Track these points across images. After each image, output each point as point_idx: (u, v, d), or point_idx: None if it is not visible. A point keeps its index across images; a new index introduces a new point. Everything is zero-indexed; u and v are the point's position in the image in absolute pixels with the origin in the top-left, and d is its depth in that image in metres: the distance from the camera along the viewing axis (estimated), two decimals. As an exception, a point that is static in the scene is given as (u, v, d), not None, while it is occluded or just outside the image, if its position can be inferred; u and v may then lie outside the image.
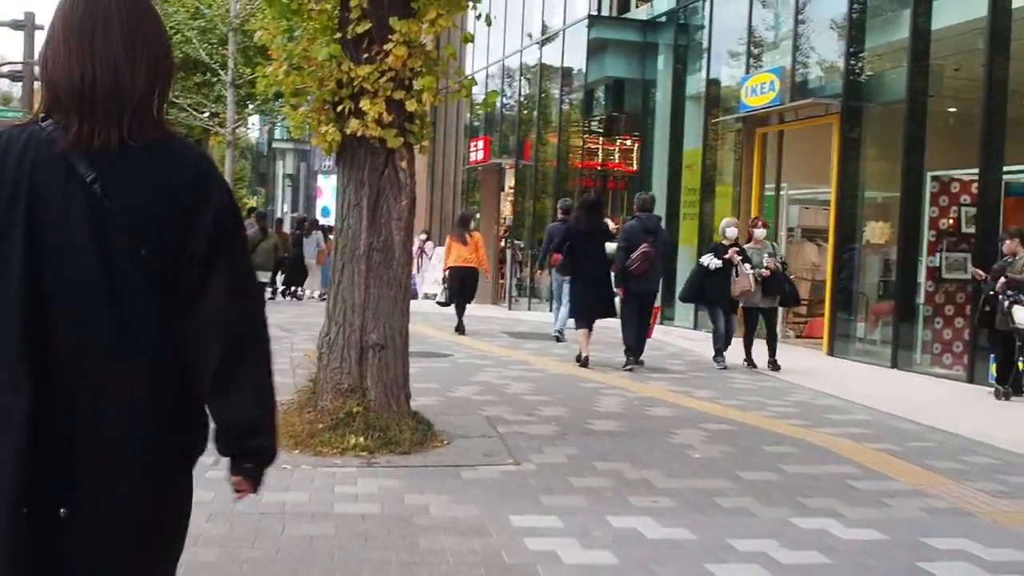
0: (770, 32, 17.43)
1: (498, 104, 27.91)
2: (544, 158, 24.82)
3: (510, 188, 26.75)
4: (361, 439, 6.81)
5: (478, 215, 27.58)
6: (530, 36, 25.41)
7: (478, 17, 7.79)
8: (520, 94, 26.70)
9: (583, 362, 11.96)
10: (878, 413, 9.38)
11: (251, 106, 17.80)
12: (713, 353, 12.50)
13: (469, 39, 8.19)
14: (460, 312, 16.15)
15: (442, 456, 6.80)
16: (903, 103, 13.69)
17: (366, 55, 7.00)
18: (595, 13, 22.35)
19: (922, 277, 13.45)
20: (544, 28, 24.80)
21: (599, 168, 23.41)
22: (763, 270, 12.28)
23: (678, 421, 8.40)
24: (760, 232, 12.84)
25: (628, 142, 22.96)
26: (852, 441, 7.80)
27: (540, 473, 6.40)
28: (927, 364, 13.37)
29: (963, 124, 14.21)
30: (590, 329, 12.32)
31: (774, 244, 13.10)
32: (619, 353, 12.33)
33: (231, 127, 15.11)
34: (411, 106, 6.99)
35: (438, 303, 18.43)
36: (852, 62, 14.88)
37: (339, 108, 7.05)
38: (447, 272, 16.67)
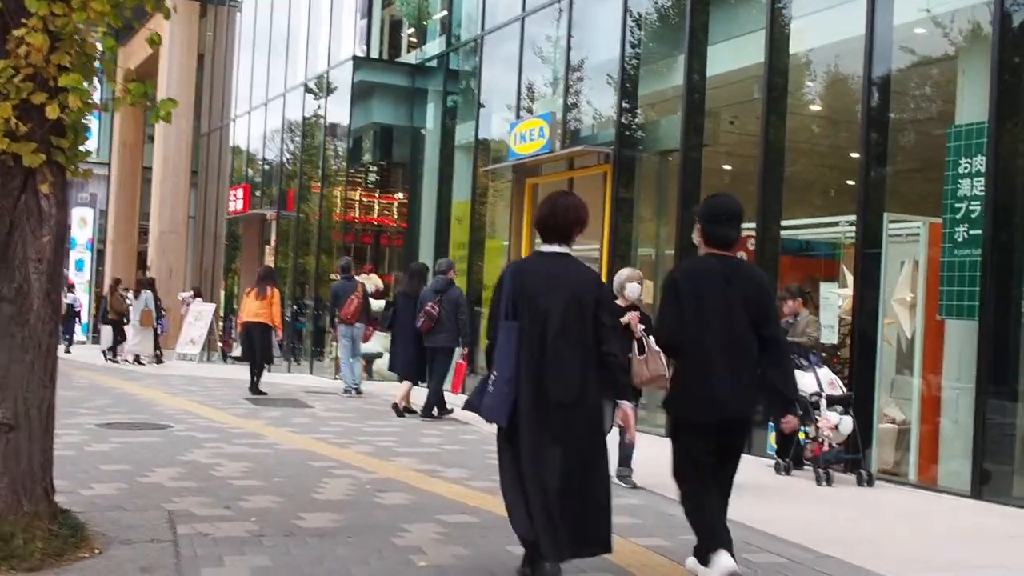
0: (541, 77, 16.47)
1: (260, 151, 26.17)
2: (309, 210, 23.21)
3: (276, 240, 25.02)
4: (-30, 554, 5.05)
5: (235, 267, 25.74)
6: (295, 79, 23.86)
7: (159, 10, 6.16)
8: (284, 140, 25.02)
9: (399, 412, 13.09)
10: (649, 496, 8.15)
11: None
12: (627, 473, 8.54)
13: (156, 41, 6.56)
14: (252, 371, 15.60)
15: (82, 574, 5.10)
16: (678, 153, 12.85)
17: (-8, 44, 5.33)
18: (361, 55, 21.01)
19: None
20: (309, 70, 23.29)
21: (367, 221, 22.02)
22: None
23: (413, 512, 6.92)
24: None
25: (397, 194, 21.67)
26: (619, 536, 6.46)
27: (207, 598, 4.81)
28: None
29: (740, 176, 13.51)
30: (412, 383, 13.39)
31: None
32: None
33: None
34: (51, 113, 5.31)
35: (232, 358, 19.36)
36: (625, 109, 14.00)
37: (-47, 113, 5.34)
38: (241, 328, 16.37)
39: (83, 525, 5.67)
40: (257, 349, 15.47)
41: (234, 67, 28.37)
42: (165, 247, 30.39)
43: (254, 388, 15.31)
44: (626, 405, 5.97)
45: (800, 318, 10.33)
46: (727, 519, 5.47)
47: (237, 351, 17.59)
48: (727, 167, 14.47)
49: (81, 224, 38.74)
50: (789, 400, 5.77)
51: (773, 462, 9.89)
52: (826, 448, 9.45)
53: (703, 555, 5.35)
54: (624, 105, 13.98)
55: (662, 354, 7.96)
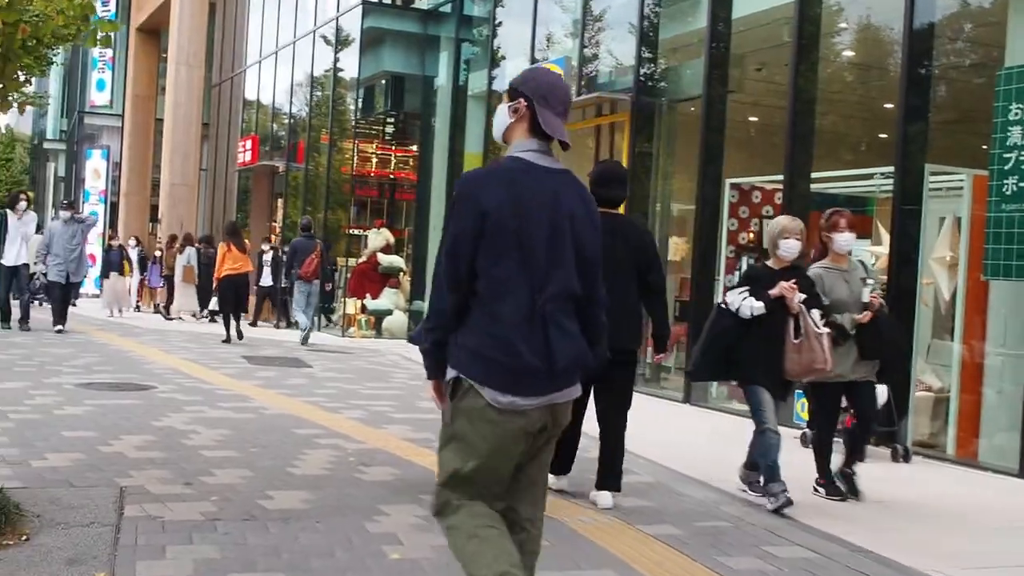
0: (558, 23, 15.58)
1: (269, 101, 25.38)
2: (318, 162, 22.44)
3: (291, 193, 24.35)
4: None
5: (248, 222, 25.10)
6: (305, 27, 23.01)
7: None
8: (293, 90, 24.22)
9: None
10: (662, 471, 7.43)
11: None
12: (758, 479, 6.59)
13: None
14: (232, 321, 16.12)
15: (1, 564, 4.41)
16: (700, 100, 12.00)
17: None
18: (372, 1, 20.11)
19: (719, 298, 11.75)
20: (319, 17, 22.42)
21: (382, 175, 21.30)
22: (860, 316, 6.69)
23: (395, 491, 6.21)
24: (843, 239, 6.79)
25: (412, 146, 20.88)
26: (622, 520, 5.77)
27: (136, 599, 4.11)
28: (724, 399, 11.66)
29: (765, 127, 12.66)
30: None
31: (865, 263, 7.38)
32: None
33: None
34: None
35: (210, 312, 20.01)
36: (645, 54, 13.13)
37: None
38: (220, 281, 16.20)
39: (14, 506, 4.99)
40: (239, 300, 16.21)
41: (246, 16, 27.54)
42: (176, 199, 29.67)
43: (238, 335, 16.08)
44: None
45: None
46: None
47: (213, 304, 18.51)
48: (753, 118, 13.62)
49: (95, 176, 38.21)
50: (659, 336, 6.51)
51: (800, 433, 9.13)
52: (858, 419, 8.69)
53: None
54: (644, 50, 13.11)
55: (825, 337, 6.32)
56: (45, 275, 15.79)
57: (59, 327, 15.67)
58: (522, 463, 3.53)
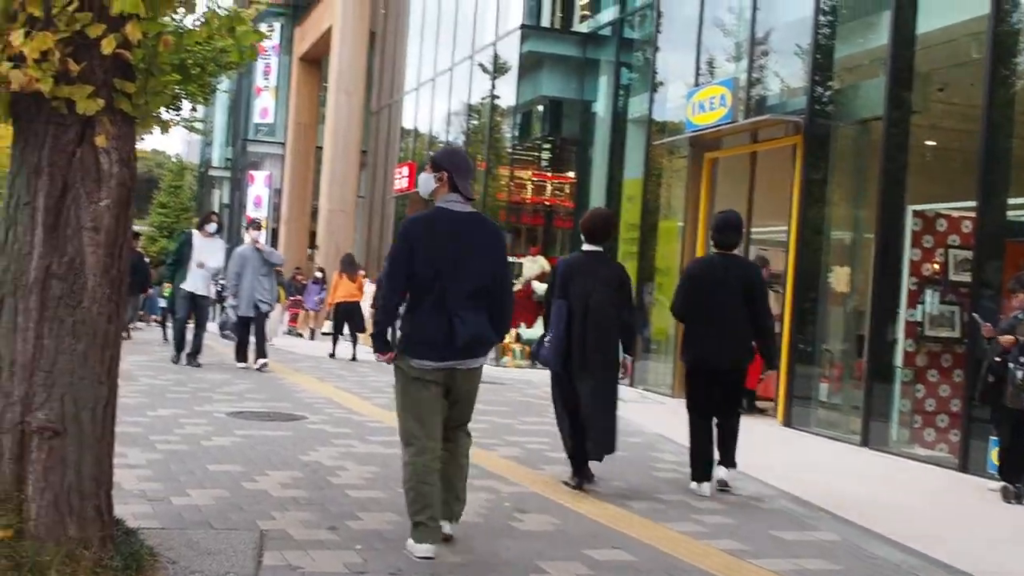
0: (723, 42, 14.92)
1: (427, 127, 25.32)
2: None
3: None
4: (-6, 592, 4.10)
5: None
6: (463, 52, 22.89)
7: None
8: (450, 116, 24.11)
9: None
10: (845, 527, 6.71)
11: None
12: None
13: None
14: (336, 341, 18.63)
15: (126, 623, 4.06)
16: (881, 122, 11.21)
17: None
18: (529, 24, 19.81)
19: (900, 333, 10.90)
20: (476, 42, 22.25)
21: (538, 202, 20.95)
22: None
23: (555, 543, 5.69)
24: None
25: (569, 172, 20.47)
26: (810, 586, 5.13)
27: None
28: (905, 441, 10.81)
29: (956, 149, 11.76)
30: None
31: None
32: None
33: None
34: (107, 47, 4.28)
35: (323, 333, 22.06)
36: (818, 73, 12.39)
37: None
38: (333, 307, 18.85)
39: (148, 552, 4.65)
40: (352, 325, 18.39)
41: (404, 44, 27.68)
42: (333, 226, 30.01)
43: (352, 358, 17.80)
44: (628, 359, 7.57)
45: (1030, 313, 8.58)
46: (733, 457, 7.70)
47: (327, 327, 20.29)
48: (931, 142, 12.67)
49: (256, 203, 39.17)
50: (767, 358, 7.80)
51: (999, 486, 8.23)
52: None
53: (695, 477, 7.53)
54: (817, 69, 12.37)
55: None
56: (236, 308, 14.46)
57: (263, 361, 14.43)
58: (447, 409, 5.43)
